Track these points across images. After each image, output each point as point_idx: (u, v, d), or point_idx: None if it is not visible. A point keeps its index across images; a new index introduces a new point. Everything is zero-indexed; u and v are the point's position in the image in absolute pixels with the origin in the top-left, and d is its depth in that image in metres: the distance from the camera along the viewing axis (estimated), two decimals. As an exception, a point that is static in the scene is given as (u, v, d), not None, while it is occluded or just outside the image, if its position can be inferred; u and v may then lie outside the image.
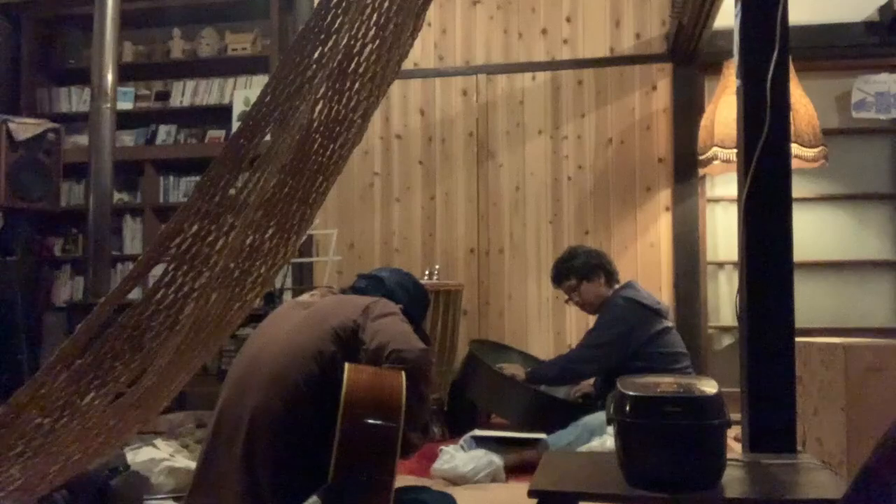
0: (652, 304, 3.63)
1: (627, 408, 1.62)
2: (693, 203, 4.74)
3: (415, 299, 2.16)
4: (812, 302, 4.56)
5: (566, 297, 3.88)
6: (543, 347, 4.79)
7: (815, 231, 4.67)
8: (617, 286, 3.77)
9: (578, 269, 3.77)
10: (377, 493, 1.60)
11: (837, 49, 4.61)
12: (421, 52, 5.11)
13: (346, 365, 1.72)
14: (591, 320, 4.64)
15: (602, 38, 4.95)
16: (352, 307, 1.94)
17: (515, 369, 3.82)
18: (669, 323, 3.67)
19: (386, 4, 1.37)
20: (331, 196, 2.22)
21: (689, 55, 4.67)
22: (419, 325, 2.14)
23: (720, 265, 4.84)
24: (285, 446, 1.78)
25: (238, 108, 5.22)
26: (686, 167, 4.73)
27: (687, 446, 1.59)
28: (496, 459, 3.24)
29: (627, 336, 3.53)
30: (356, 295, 2.11)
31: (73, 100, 5.65)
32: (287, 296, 4.58)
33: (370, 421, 1.62)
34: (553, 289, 4.10)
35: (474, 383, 3.91)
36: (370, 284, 2.14)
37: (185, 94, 5.47)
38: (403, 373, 1.72)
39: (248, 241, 1.38)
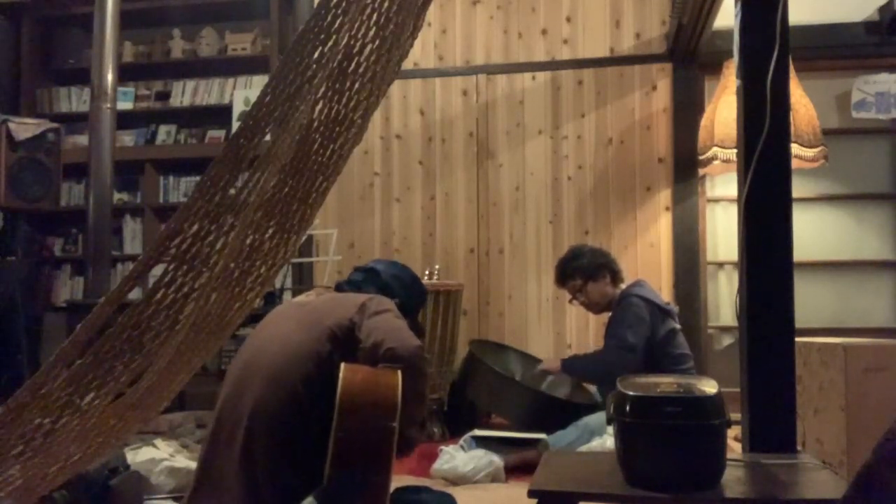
0: (662, 305, 3.63)
1: (627, 408, 1.62)
2: (693, 203, 4.74)
3: (411, 291, 2.15)
4: (812, 302, 4.56)
5: (570, 297, 3.85)
6: (543, 347, 4.79)
7: (815, 231, 4.67)
8: (623, 285, 3.76)
9: (584, 269, 3.73)
10: (373, 493, 1.59)
11: (837, 49, 4.60)
12: (421, 52, 5.11)
13: (342, 365, 1.71)
14: (593, 320, 4.67)
15: (602, 38, 4.96)
16: (348, 305, 1.93)
17: (551, 363, 3.80)
18: (677, 324, 3.66)
19: (386, 4, 1.37)
20: (331, 196, 2.22)
21: (689, 55, 4.67)
22: (415, 318, 2.13)
23: (720, 265, 4.84)
24: (284, 446, 1.78)
25: (238, 108, 5.21)
26: (686, 167, 4.73)
27: (687, 446, 1.59)
28: (496, 459, 3.24)
29: (649, 335, 3.52)
30: (351, 289, 2.10)
31: (73, 100, 5.64)
32: (287, 296, 4.58)
33: (366, 421, 1.62)
34: (554, 289, 4.10)
35: (474, 383, 3.91)
36: (366, 277, 2.13)
37: (185, 94, 5.47)
38: (399, 372, 1.72)
39: (248, 241, 1.38)
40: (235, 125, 4.10)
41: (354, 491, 1.58)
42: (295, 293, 4.63)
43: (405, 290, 2.12)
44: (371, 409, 1.63)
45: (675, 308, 3.75)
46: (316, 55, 1.36)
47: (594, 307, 3.81)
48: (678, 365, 3.53)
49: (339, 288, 2.16)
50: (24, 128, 4.38)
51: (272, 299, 4.46)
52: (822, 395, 2.89)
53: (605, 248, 4.20)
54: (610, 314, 3.75)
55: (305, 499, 1.58)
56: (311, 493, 1.59)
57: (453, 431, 4.04)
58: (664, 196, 4.81)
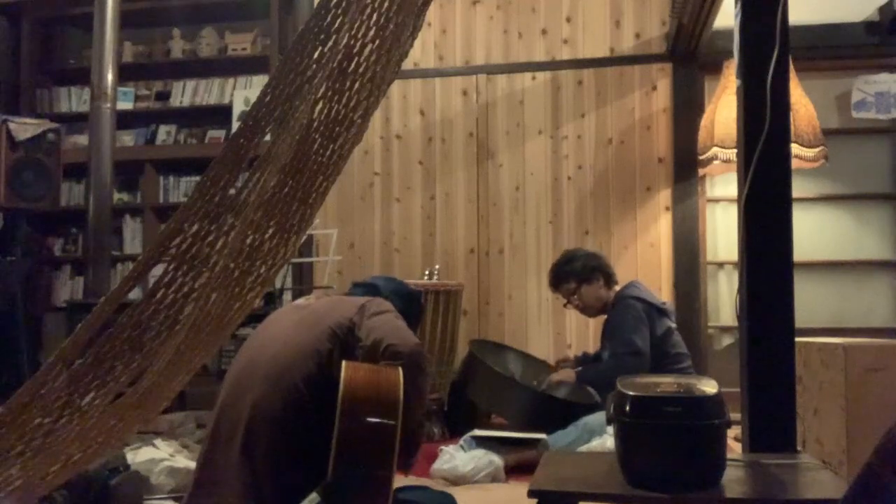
0: (658, 304, 3.64)
1: (627, 408, 1.62)
2: (693, 203, 4.74)
3: (409, 306, 2.18)
4: (812, 302, 4.56)
5: (564, 301, 3.86)
6: (543, 347, 4.79)
7: (815, 231, 4.67)
8: (617, 287, 3.76)
9: (578, 272, 3.74)
10: (377, 488, 1.60)
11: (837, 49, 4.61)
12: (421, 52, 5.11)
13: (343, 362, 1.73)
14: (593, 320, 4.67)
15: (602, 38, 4.96)
16: (348, 306, 1.95)
17: (566, 374, 3.79)
18: (672, 323, 3.67)
19: (386, 4, 1.37)
20: (331, 196, 2.22)
21: (689, 55, 4.67)
22: (413, 332, 2.15)
23: (720, 265, 4.84)
24: (284, 445, 1.78)
25: (238, 108, 5.21)
26: (686, 167, 4.73)
27: (687, 446, 1.59)
28: (496, 459, 3.24)
29: (650, 335, 3.53)
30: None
31: (73, 100, 5.64)
32: (287, 296, 4.58)
33: (368, 418, 1.63)
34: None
35: (474, 383, 3.91)
36: (365, 292, 2.15)
37: (185, 94, 5.47)
38: (400, 369, 1.73)
39: (248, 241, 1.38)
40: (235, 125, 4.09)
41: (358, 485, 1.59)
42: (295, 293, 4.63)
43: (404, 305, 2.14)
44: (373, 405, 1.64)
45: (670, 307, 3.75)
46: (316, 55, 1.35)
47: (589, 310, 3.81)
48: (675, 364, 3.54)
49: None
50: (24, 128, 4.38)
51: (272, 299, 4.46)
52: (822, 395, 2.89)
53: (603, 249, 4.20)
54: (606, 317, 3.76)
55: (309, 495, 1.59)
56: (314, 489, 1.59)
57: (453, 431, 4.03)
58: (664, 196, 4.81)
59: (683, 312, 4.63)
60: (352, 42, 1.35)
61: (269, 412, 1.80)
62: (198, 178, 1.53)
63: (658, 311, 3.60)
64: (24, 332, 4.48)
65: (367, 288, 2.17)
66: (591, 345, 4.71)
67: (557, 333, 4.87)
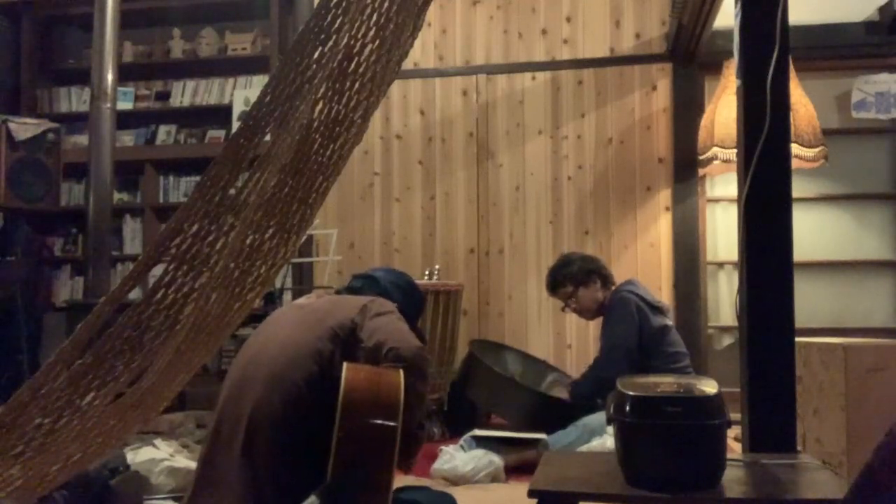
0: (653, 301, 3.64)
1: (627, 408, 1.62)
2: (693, 203, 4.74)
3: (410, 298, 2.16)
4: (812, 302, 4.56)
5: (562, 304, 3.86)
6: (543, 348, 4.79)
7: (815, 231, 4.67)
8: (613, 287, 3.76)
9: (575, 275, 3.74)
10: (376, 492, 1.60)
11: (837, 49, 4.61)
12: (421, 52, 5.11)
13: (345, 364, 1.72)
14: (592, 321, 4.67)
15: (602, 38, 4.96)
16: (349, 306, 1.94)
17: (559, 391, 3.82)
18: (669, 321, 3.67)
19: (386, 4, 1.37)
20: (331, 196, 2.22)
21: (689, 55, 4.67)
22: (415, 324, 2.14)
23: (720, 265, 4.84)
24: (285, 446, 1.78)
25: (238, 108, 5.21)
26: (686, 167, 4.73)
27: (687, 446, 1.59)
28: (496, 459, 3.24)
29: (638, 331, 3.52)
30: (352, 295, 2.11)
31: (73, 100, 5.64)
32: (287, 296, 4.58)
33: (369, 420, 1.62)
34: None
35: (474, 383, 3.91)
36: (365, 284, 2.14)
37: (185, 94, 5.47)
38: (401, 371, 1.73)
39: (248, 241, 1.38)
40: (235, 125, 4.08)
41: (357, 489, 1.58)
42: (295, 293, 4.63)
43: (404, 296, 2.12)
44: (373, 408, 1.63)
45: (666, 306, 3.75)
46: (316, 55, 1.36)
47: (586, 313, 3.81)
48: (672, 363, 3.52)
49: (338, 294, 2.17)
50: (24, 128, 4.38)
51: (272, 299, 4.46)
52: (822, 395, 2.89)
53: (603, 249, 4.19)
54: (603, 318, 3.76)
55: (308, 498, 1.58)
56: (313, 493, 1.59)
57: (453, 431, 4.03)
58: (664, 196, 4.81)
59: (683, 312, 4.63)
60: (352, 42, 1.36)
61: (270, 413, 1.79)
62: (198, 178, 1.53)
63: (652, 307, 3.60)
64: (24, 332, 4.48)
65: (367, 279, 2.16)
66: (591, 344, 4.71)
67: (557, 333, 4.87)
